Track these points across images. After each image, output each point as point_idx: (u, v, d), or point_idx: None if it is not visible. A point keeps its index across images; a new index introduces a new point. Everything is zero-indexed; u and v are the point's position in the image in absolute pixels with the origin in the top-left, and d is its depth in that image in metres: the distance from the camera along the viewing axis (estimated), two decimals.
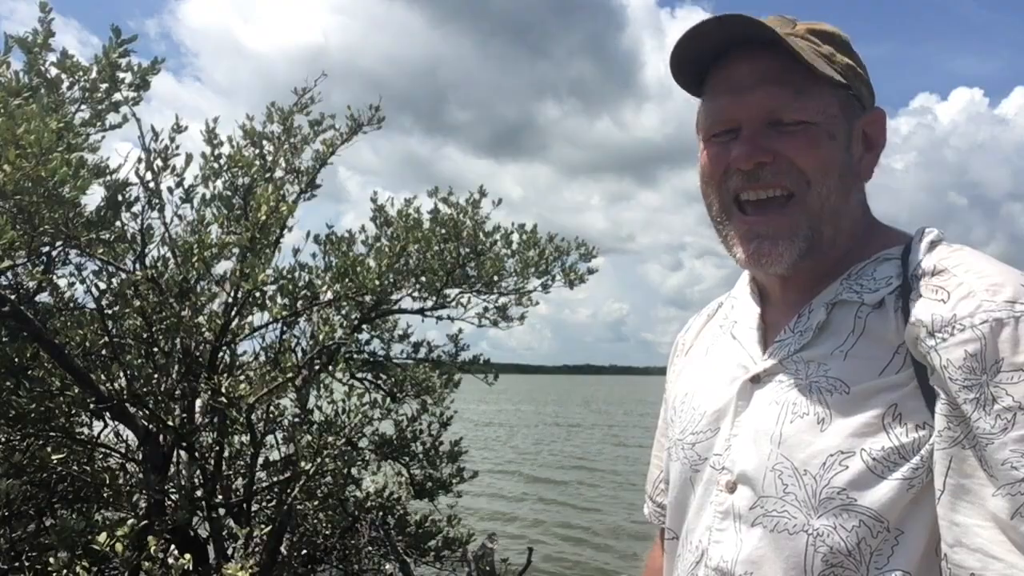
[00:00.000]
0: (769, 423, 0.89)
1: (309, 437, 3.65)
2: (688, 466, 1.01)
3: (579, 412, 40.77)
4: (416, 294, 4.42)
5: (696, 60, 0.95)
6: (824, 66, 0.90)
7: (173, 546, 3.37)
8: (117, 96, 2.95)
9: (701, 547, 0.95)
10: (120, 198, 2.94)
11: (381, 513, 4.40)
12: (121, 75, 2.90)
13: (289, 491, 3.60)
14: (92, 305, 3.36)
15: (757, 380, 0.95)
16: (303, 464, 3.49)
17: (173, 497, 3.46)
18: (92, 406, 3.24)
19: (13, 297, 2.98)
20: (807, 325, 0.92)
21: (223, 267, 3.52)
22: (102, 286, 3.35)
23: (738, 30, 0.89)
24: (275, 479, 3.82)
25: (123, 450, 3.68)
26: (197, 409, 3.57)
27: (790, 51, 0.88)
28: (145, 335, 3.35)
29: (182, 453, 3.56)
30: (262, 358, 3.96)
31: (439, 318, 4.61)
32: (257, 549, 3.47)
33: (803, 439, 0.85)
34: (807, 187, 0.90)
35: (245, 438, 3.77)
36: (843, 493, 0.81)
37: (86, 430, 3.61)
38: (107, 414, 3.38)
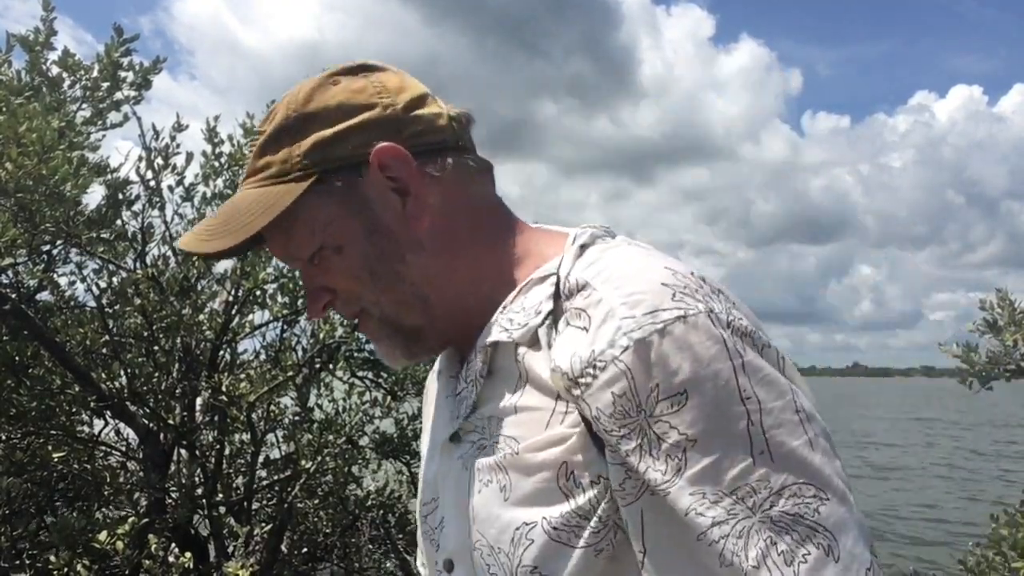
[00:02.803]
0: (463, 494, 0.76)
1: (310, 435, 3.65)
2: (427, 541, 0.86)
3: None
4: None
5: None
6: (265, 211, 0.77)
7: (173, 544, 3.37)
8: (118, 95, 2.96)
9: None
10: (121, 196, 2.94)
11: (382, 511, 4.40)
12: (123, 74, 2.91)
13: (290, 489, 3.61)
14: (93, 303, 3.36)
15: (457, 439, 0.79)
16: (304, 462, 3.49)
17: (173, 495, 3.47)
18: (93, 404, 3.25)
19: (14, 295, 2.98)
20: (471, 374, 0.79)
21: (224, 265, 3.52)
22: (103, 284, 3.35)
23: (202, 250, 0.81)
24: (276, 477, 3.83)
25: (124, 448, 3.69)
26: (198, 407, 3.57)
27: (247, 238, 0.78)
28: (146, 333, 3.35)
29: (182, 451, 3.56)
30: (263, 356, 3.97)
31: None
32: (258, 547, 3.48)
33: (492, 512, 0.73)
34: (358, 302, 0.82)
35: (246, 436, 3.77)
36: (535, 571, 0.69)
37: (87, 428, 3.61)
38: (108, 412, 3.39)
